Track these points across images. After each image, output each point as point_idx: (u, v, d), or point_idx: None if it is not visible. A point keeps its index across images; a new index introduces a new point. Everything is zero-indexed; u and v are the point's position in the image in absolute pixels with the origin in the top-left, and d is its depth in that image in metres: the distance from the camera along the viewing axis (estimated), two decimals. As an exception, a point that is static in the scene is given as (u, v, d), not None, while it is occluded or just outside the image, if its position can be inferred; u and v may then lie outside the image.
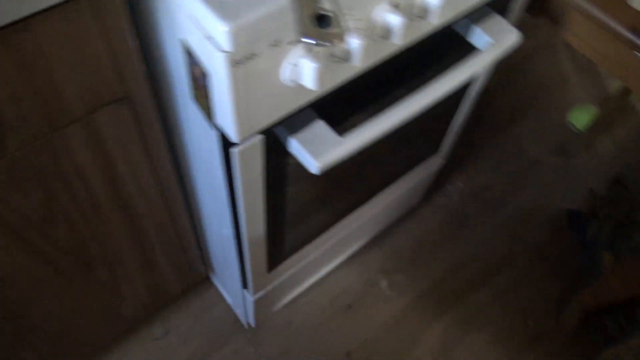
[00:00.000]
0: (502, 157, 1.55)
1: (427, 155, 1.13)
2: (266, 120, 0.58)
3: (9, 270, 0.71)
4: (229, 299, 1.22)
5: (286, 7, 0.48)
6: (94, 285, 0.88)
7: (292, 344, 1.20)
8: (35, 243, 0.70)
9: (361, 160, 0.85)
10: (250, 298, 1.02)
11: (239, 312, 1.20)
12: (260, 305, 1.09)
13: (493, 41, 0.74)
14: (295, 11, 0.48)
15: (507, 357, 1.22)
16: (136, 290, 0.99)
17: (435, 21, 0.64)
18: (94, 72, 0.57)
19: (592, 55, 0.96)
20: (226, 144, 0.60)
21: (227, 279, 1.11)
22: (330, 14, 0.50)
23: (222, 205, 0.76)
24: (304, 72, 0.52)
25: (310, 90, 0.56)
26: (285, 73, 0.53)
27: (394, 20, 0.57)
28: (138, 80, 0.62)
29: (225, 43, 0.46)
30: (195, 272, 1.13)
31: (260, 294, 1.02)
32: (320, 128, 0.63)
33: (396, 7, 0.57)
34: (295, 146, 0.63)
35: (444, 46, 0.76)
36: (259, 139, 0.60)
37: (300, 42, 0.50)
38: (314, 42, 0.48)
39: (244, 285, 0.99)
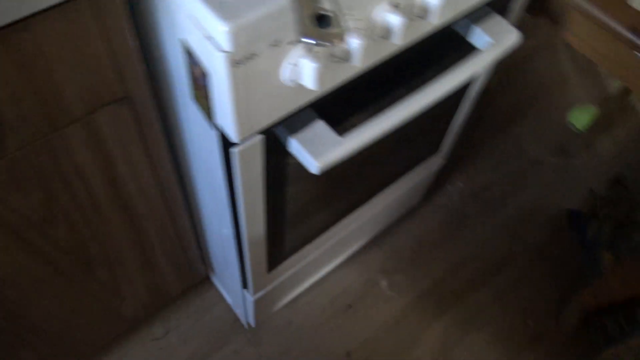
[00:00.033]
0: (502, 157, 1.55)
1: (427, 155, 1.13)
2: (266, 120, 0.58)
3: (9, 270, 0.71)
4: (229, 299, 1.22)
5: (286, 7, 0.48)
6: (94, 285, 0.88)
7: (292, 344, 1.20)
8: (35, 243, 0.70)
9: (361, 160, 0.85)
10: (250, 298, 1.02)
11: (239, 312, 1.20)
12: (260, 305, 1.09)
13: (493, 41, 0.74)
14: (295, 11, 0.48)
15: (507, 357, 1.22)
16: (136, 290, 0.99)
17: (435, 21, 0.64)
18: (94, 72, 0.57)
19: (592, 55, 0.96)
20: (226, 144, 0.60)
21: (227, 279, 1.11)
22: (330, 14, 0.50)
23: (222, 205, 0.76)
24: (304, 72, 0.52)
25: (310, 90, 0.56)
26: (285, 73, 0.53)
27: (394, 20, 0.57)
28: (138, 80, 0.62)
29: (225, 43, 0.46)
30: (195, 272, 1.13)
31: (260, 294, 1.02)
32: (320, 128, 0.63)
33: (396, 7, 0.57)
34: (295, 146, 0.63)
35: (444, 46, 0.76)
36: (259, 139, 0.60)
37: (300, 42, 0.50)
38: (314, 42, 0.48)
39: (244, 285, 0.99)
